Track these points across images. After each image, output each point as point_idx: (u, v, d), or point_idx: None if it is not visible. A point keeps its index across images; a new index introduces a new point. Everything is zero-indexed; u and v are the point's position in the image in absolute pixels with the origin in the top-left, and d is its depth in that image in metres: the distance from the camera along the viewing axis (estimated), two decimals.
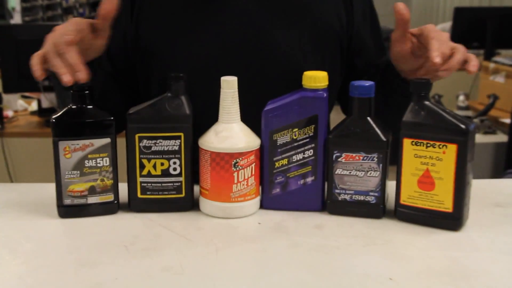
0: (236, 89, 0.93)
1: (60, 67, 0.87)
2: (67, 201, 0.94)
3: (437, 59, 0.87)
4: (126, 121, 0.93)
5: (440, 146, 0.89)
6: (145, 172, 0.95)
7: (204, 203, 0.96)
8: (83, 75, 0.87)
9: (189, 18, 1.06)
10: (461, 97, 3.16)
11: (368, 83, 0.93)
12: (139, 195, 0.96)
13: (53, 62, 0.88)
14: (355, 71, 1.13)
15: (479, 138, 2.93)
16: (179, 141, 0.94)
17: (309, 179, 0.97)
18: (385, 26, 1.35)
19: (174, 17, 1.06)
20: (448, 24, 4.32)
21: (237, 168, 0.93)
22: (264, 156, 0.96)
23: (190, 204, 0.97)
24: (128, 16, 1.08)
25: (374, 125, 0.93)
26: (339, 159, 0.94)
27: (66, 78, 0.87)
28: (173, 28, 1.06)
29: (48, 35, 0.91)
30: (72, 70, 0.87)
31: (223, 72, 0.96)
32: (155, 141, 0.94)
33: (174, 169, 0.95)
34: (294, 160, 0.96)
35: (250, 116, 0.98)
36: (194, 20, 1.06)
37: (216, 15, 1.05)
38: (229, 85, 0.93)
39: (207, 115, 0.98)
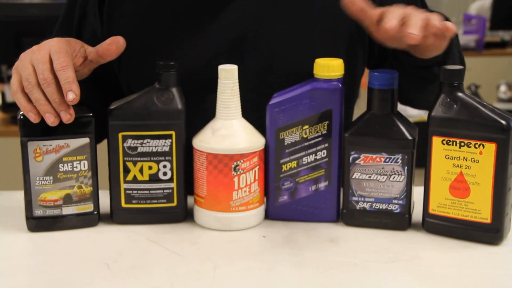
0: (237, 80, 0.93)
1: (43, 104, 0.88)
2: (38, 212, 0.94)
3: (388, 24, 0.83)
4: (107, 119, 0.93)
5: (476, 146, 0.88)
6: (130, 177, 0.95)
7: (200, 213, 0.96)
8: (69, 115, 0.88)
9: (177, 12, 1.04)
10: (503, 87, 3.14)
11: (390, 71, 0.93)
12: (123, 204, 0.96)
13: (34, 95, 0.88)
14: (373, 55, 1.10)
15: None
16: (170, 140, 0.94)
17: (322, 185, 0.96)
18: None
19: (157, 11, 1.04)
20: (487, 1, 4.31)
21: (238, 172, 0.92)
22: (270, 158, 0.96)
23: (183, 215, 0.97)
24: (96, 13, 1.06)
25: (397, 121, 0.93)
26: (357, 161, 0.94)
27: (51, 120, 0.88)
28: (154, 25, 1.04)
29: (25, 56, 0.90)
30: (57, 109, 0.88)
31: (216, 78, 0.94)
32: (142, 141, 0.94)
33: (164, 174, 0.95)
34: (304, 163, 0.95)
35: (253, 111, 0.97)
36: (183, 14, 1.04)
37: (209, 9, 1.03)
38: (228, 74, 0.93)
39: (201, 110, 0.98)
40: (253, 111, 0.97)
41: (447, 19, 0.94)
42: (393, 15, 0.85)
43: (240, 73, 0.94)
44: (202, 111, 0.99)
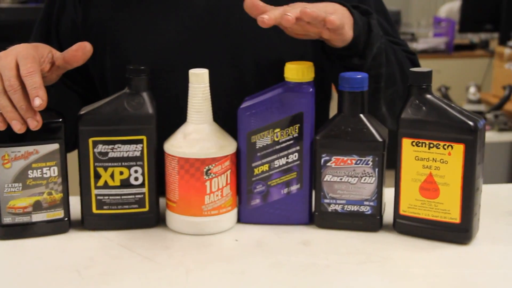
0: (207, 84, 0.93)
1: (9, 111, 0.87)
2: (7, 220, 0.93)
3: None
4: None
5: (445, 147, 0.89)
6: (101, 183, 0.94)
7: (172, 218, 0.96)
8: (35, 121, 0.88)
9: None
10: (472, 89, 3.18)
11: (360, 74, 0.94)
12: (94, 210, 0.95)
13: (0, 102, 0.87)
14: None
15: (493, 136, 2.94)
16: (141, 145, 0.94)
17: (294, 188, 0.97)
18: None
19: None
20: (456, 4, 4.37)
21: (210, 176, 0.93)
22: (241, 162, 0.96)
23: (155, 220, 0.97)
24: (76, 4, 1.07)
25: (368, 123, 0.94)
26: (328, 164, 0.94)
27: (17, 127, 0.87)
28: (127, 11, 1.05)
29: None
30: (23, 116, 0.87)
31: (188, 64, 0.96)
32: (113, 146, 0.93)
33: (136, 179, 0.95)
34: (276, 166, 0.96)
35: (224, 116, 0.98)
36: (152, 1, 1.05)
37: None
38: (199, 79, 0.93)
39: (173, 115, 0.98)
40: (223, 95, 0.96)
41: (366, 12, 0.95)
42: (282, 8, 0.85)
43: (210, 59, 0.94)
44: (174, 95, 0.98)
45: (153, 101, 0.94)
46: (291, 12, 0.84)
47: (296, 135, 0.95)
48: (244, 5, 0.87)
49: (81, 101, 1.10)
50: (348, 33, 0.91)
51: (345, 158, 0.94)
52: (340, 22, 0.87)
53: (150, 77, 0.95)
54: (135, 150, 0.94)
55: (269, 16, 0.84)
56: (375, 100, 1.01)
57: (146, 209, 0.96)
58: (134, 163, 0.94)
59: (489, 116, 3.02)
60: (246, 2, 0.86)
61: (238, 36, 1.04)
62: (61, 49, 0.97)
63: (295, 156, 0.96)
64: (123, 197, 0.95)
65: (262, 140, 0.95)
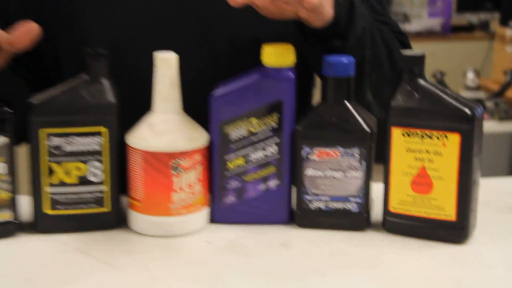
0: (176, 69, 0.94)
1: None
2: None
3: None
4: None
5: (439, 137, 0.91)
6: (55, 180, 0.94)
7: (135, 218, 0.96)
8: None
9: None
10: (470, 74, 3.21)
11: (346, 58, 0.94)
12: (47, 211, 0.95)
13: None
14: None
15: (493, 125, 2.98)
16: (101, 138, 0.94)
17: (272, 183, 0.97)
18: None
19: None
20: None
21: (179, 172, 0.93)
22: (214, 155, 0.97)
23: (116, 221, 0.97)
24: None
25: (354, 112, 0.94)
26: (310, 157, 0.95)
27: None
28: None
29: None
30: None
31: (154, 45, 0.96)
32: (68, 138, 0.93)
33: (95, 175, 0.95)
34: (252, 160, 0.96)
35: (194, 104, 0.98)
36: None
37: None
38: (166, 64, 0.93)
39: (137, 103, 0.98)
40: (193, 81, 0.96)
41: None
42: None
43: (178, 40, 0.94)
44: (138, 81, 0.99)
45: (114, 88, 0.94)
46: None
47: (274, 125, 0.95)
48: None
49: (31, 89, 1.09)
50: (328, 11, 0.92)
51: (329, 151, 0.95)
52: (318, 1, 0.88)
53: (111, 61, 0.95)
54: (93, 143, 0.94)
55: None
56: (359, 86, 1.02)
57: (106, 209, 0.96)
58: (92, 158, 0.94)
59: (489, 104, 3.06)
60: None
61: (210, 14, 1.04)
62: (7, 26, 0.96)
63: (274, 148, 0.96)
64: (80, 195, 0.95)
65: (236, 131, 0.96)
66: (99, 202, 0.96)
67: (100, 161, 0.94)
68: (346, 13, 0.96)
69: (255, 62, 0.97)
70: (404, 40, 1.13)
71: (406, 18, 4.25)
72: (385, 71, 1.06)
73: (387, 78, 1.06)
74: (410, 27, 4.12)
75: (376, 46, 1.03)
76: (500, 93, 3.12)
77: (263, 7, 0.87)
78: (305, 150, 0.95)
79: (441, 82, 3.16)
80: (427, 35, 4.13)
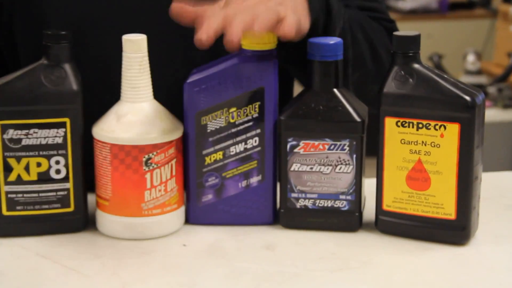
0: (146, 53, 0.93)
1: None
2: None
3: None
4: None
5: (437, 127, 0.91)
6: (12, 177, 0.94)
7: (104, 219, 0.95)
8: None
9: None
10: (471, 57, 3.23)
11: (333, 39, 0.94)
12: (4, 212, 0.95)
13: None
14: None
15: (496, 114, 2.99)
16: (64, 130, 0.93)
17: (254, 180, 0.97)
18: None
19: None
20: None
21: (151, 167, 0.92)
22: (189, 149, 0.96)
23: (82, 222, 0.97)
24: None
25: (343, 100, 0.94)
26: (296, 150, 0.95)
27: None
28: None
29: None
30: None
31: (121, 25, 0.95)
32: (27, 131, 0.93)
33: (57, 172, 0.94)
34: (232, 153, 0.96)
35: (167, 92, 0.97)
36: None
37: None
38: (135, 46, 0.92)
39: (103, 91, 0.97)
40: (166, 66, 0.96)
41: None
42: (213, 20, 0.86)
43: (148, 20, 0.93)
44: (104, 67, 0.99)
45: (77, 74, 0.94)
46: (232, 30, 0.84)
47: (256, 115, 0.95)
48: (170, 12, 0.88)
49: None
50: (305, 25, 0.92)
51: (316, 143, 0.94)
52: (295, 26, 0.87)
53: (74, 44, 0.94)
54: (55, 136, 0.93)
55: (206, 34, 0.85)
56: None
57: (71, 209, 0.95)
58: (55, 152, 0.93)
59: (491, 89, 3.07)
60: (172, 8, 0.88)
61: None
62: None
63: (255, 141, 0.96)
64: (41, 194, 0.94)
65: (214, 122, 0.95)
66: (62, 201, 0.95)
67: (63, 155, 0.94)
68: (323, 18, 0.96)
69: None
70: (392, 27, 1.13)
71: None
72: (368, 68, 1.06)
73: (371, 75, 1.06)
74: (403, 4, 4.13)
75: (357, 44, 1.04)
76: (503, 78, 3.14)
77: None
78: (290, 142, 0.95)
79: (439, 66, 3.17)
80: (422, 13, 4.15)
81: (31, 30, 1.04)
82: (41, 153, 0.93)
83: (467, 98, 0.89)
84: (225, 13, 0.87)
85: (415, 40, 0.92)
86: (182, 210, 0.97)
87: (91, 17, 1.04)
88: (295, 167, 0.95)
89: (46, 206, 0.95)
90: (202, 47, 0.86)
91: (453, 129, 0.90)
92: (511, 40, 3.33)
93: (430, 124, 0.91)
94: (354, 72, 1.03)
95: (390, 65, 0.93)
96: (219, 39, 1.03)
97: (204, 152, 0.96)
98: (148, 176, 0.93)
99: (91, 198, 0.98)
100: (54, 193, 0.94)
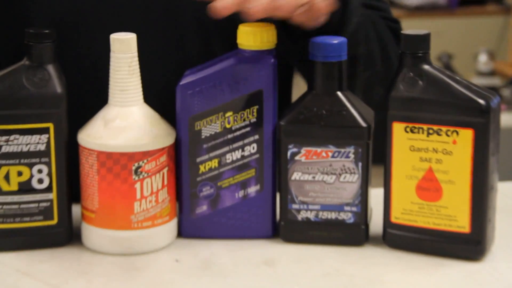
0: (135, 53, 0.94)
1: None
2: None
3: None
4: None
5: (449, 133, 0.91)
6: None
7: (90, 232, 0.96)
8: None
9: None
10: (483, 57, 3.24)
11: (336, 39, 0.95)
12: None
13: None
14: None
15: (511, 118, 3.00)
16: (47, 136, 0.94)
17: (252, 190, 0.98)
18: None
19: None
20: None
21: (141, 176, 0.93)
22: (182, 156, 0.97)
23: (66, 236, 0.97)
24: None
25: (347, 104, 0.95)
26: (297, 157, 0.95)
27: None
28: None
29: None
30: None
31: (109, 24, 0.96)
32: (7, 137, 0.93)
33: (40, 181, 0.94)
34: (228, 161, 0.97)
35: (158, 95, 0.98)
36: None
37: None
38: (124, 46, 0.93)
39: (90, 94, 0.98)
40: (157, 67, 0.96)
41: None
42: None
43: (139, 17, 0.94)
44: (90, 68, 0.99)
45: (62, 76, 0.94)
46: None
47: (254, 120, 0.96)
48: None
49: None
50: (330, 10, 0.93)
51: (319, 150, 0.95)
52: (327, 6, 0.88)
53: (58, 44, 0.94)
54: (38, 143, 0.93)
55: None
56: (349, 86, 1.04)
57: (54, 221, 0.95)
58: (37, 160, 0.94)
59: (506, 92, 3.08)
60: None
61: None
62: None
63: (253, 148, 0.96)
64: (22, 206, 0.94)
65: (209, 128, 0.96)
66: (45, 213, 0.95)
67: (46, 164, 0.94)
68: (339, 9, 0.97)
69: (230, 44, 0.97)
70: (397, 28, 1.14)
71: None
72: (377, 68, 1.07)
73: (380, 76, 1.07)
74: (409, 0, 4.14)
75: (369, 41, 1.05)
76: None
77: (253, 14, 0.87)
78: (291, 149, 0.95)
79: (448, 67, 3.18)
80: (430, 10, 4.16)
81: (12, 28, 1.05)
82: (22, 161, 0.93)
83: (481, 101, 0.89)
84: None
85: (425, 40, 0.92)
86: (174, 223, 0.98)
87: (78, 14, 1.05)
88: (296, 176, 0.96)
89: (27, 219, 0.95)
90: (216, 14, 0.86)
91: (467, 135, 0.90)
92: None
93: (441, 130, 0.91)
94: (364, 71, 1.04)
95: (398, 66, 0.93)
96: (213, 37, 1.04)
97: (198, 159, 0.96)
98: (138, 186, 0.93)
99: (76, 209, 0.98)
100: (36, 205, 0.95)
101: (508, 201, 1.04)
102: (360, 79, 1.04)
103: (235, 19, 0.96)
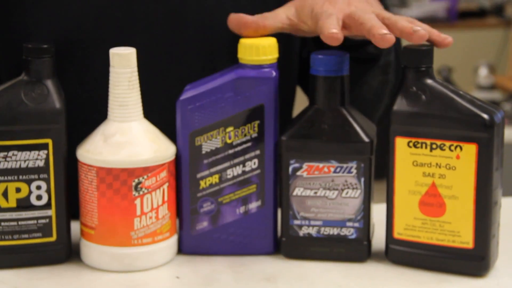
0: (135, 68, 0.94)
1: None
2: None
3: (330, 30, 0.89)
4: None
5: (452, 148, 0.91)
6: None
7: (89, 249, 0.96)
8: None
9: None
10: (483, 70, 3.24)
11: (338, 53, 0.95)
12: None
13: None
14: None
15: None
16: (46, 152, 0.94)
17: (254, 206, 0.98)
18: None
19: None
20: None
21: (141, 192, 0.93)
22: (183, 172, 0.97)
23: (65, 253, 0.97)
24: None
25: (350, 118, 0.95)
26: (299, 173, 0.96)
27: None
28: None
29: None
30: None
31: (110, 38, 0.96)
32: (6, 153, 0.93)
33: (38, 198, 0.94)
34: (229, 177, 0.97)
35: (158, 110, 0.98)
36: None
37: None
38: (124, 61, 0.93)
39: (89, 110, 0.98)
40: (157, 82, 0.96)
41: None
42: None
43: (139, 32, 0.94)
44: (90, 83, 0.99)
45: (60, 92, 0.94)
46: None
47: (255, 135, 0.96)
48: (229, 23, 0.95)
49: None
50: None
51: (321, 165, 0.95)
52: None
53: (57, 59, 0.94)
54: (37, 159, 0.93)
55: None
56: (380, 95, 1.05)
57: (53, 238, 0.95)
58: (36, 176, 0.94)
59: (507, 106, 3.09)
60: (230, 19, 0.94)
61: (178, 0, 1.05)
62: None
63: (254, 163, 0.97)
64: (20, 223, 0.94)
65: (210, 143, 0.96)
66: (44, 230, 0.95)
67: (44, 180, 0.94)
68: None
69: (231, 58, 0.98)
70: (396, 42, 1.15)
71: (403, 2, 4.29)
72: (391, 77, 1.08)
73: (390, 86, 1.08)
74: (408, 12, 4.15)
75: (397, 48, 1.05)
76: None
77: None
78: (292, 164, 0.95)
79: (448, 80, 3.19)
80: (429, 22, 4.12)
81: (11, 43, 1.05)
82: (20, 177, 0.93)
83: (485, 116, 0.90)
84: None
85: (428, 54, 0.93)
86: (174, 239, 0.98)
87: (78, 29, 1.04)
88: (297, 191, 0.96)
89: (26, 236, 0.95)
90: (336, 42, 0.88)
91: (470, 150, 0.90)
92: None
93: (445, 145, 0.91)
94: (395, 78, 1.05)
95: (401, 80, 0.94)
96: (216, 52, 1.05)
97: (199, 175, 0.97)
98: (138, 202, 0.93)
99: (75, 226, 0.98)
100: (34, 221, 0.95)
101: None
102: (390, 86, 1.05)
103: (234, 7, 0.97)
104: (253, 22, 0.95)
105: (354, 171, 0.95)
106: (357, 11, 0.91)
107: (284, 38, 1.01)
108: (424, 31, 0.88)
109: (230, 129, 0.95)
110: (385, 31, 0.87)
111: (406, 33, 0.88)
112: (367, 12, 0.91)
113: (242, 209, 0.98)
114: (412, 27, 0.88)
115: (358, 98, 0.99)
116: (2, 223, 0.94)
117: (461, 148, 0.91)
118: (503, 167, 0.94)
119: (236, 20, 0.95)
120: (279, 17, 0.96)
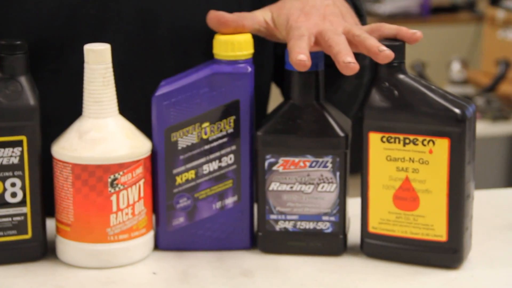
0: (110, 64, 0.94)
1: None
2: None
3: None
4: None
5: (425, 143, 0.93)
6: None
7: (65, 246, 0.96)
8: None
9: None
10: (456, 65, 3.25)
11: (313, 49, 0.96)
12: None
13: None
14: None
15: (485, 127, 3.01)
16: (20, 149, 0.94)
17: (230, 201, 0.99)
18: None
19: None
20: None
21: (117, 189, 0.94)
22: (159, 168, 0.97)
23: (40, 250, 0.97)
24: None
25: (325, 113, 0.96)
26: (275, 168, 0.97)
27: None
28: None
29: None
30: None
31: (84, 34, 0.96)
32: None
33: (13, 195, 0.95)
34: (205, 172, 0.98)
35: (133, 106, 0.99)
36: None
37: None
38: (98, 57, 0.93)
39: (63, 106, 0.98)
40: (132, 78, 0.97)
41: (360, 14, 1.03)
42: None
43: (113, 28, 0.94)
44: (64, 79, 1.00)
45: (34, 88, 0.94)
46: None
47: (231, 130, 0.97)
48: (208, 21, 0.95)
49: None
50: None
51: (296, 160, 0.96)
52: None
53: (30, 55, 0.95)
54: (11, 156, 0.94)
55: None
56: (355, 98, 1.07)
57: (28, 236, 0.96)
58: (10, 174, 0.94)
59: (479, 101, 3.09)
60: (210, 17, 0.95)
61: None
62: None
63: (230, 158, 0.98)
64: None
65: (185, 139, 0.97)
66: (19, 227, 0.95)
67: (19, 177, 0.94)
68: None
69: (206, 54, 0.99)
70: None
71: None
72: (365, 78, 1.10)
73: (364, 85, 1.10)
74: (381, 8, 4.15)
75: None
76: (491, 88, 3.16)
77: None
78: (268, 159, 0.96)
79: (422, 75, 3.19)
80: (402, 17, 4.17)
81: None
82: None
83: (457, 110, 0.91)
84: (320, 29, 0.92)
85: (399, 49, 0.93)
86: (151, 235, 0.98)
87: (50, 27, 1.04)
88: (273, 186, 0.97)
89: (1, 233, 0.95)
90: (303, 68, 0.89)
91: (443, 144, 0.92)
92: (499, 46, 3.36)
93: (417, 140, 0.93)
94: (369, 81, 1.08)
95: (373, 76, 0.95)
96: (190, 48, 1.06)
97: (175, 171, 0.97)
98: (114, 198, 0.93)
99: (50, 223, 0.98)
100: (9, 219, 0.95)
101: (484, 209, 1.05)
102: (364, 88, 1.07)
103: (208, 9, 0.98)
104: (233, 21, 0.95)
105: (329, 165, 0.96)
106: (327, 32, 0.92)
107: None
108: (389, 51, 0.89)
109: (206, 124, 0.96)
110: (349, 58, 0.88)
111: (373, 53, 0.89)
112: (337, 33, 0.92)
113: (218, 205, 0.98)
114: (379, 46, 0.89)
115: (332, 102, 1.00)
116: None
117: (433, 143, 0.92)
118: (475, 161, 0.95)
119: (216, 18, 0.96)
120: (257, 18, 0.98)
